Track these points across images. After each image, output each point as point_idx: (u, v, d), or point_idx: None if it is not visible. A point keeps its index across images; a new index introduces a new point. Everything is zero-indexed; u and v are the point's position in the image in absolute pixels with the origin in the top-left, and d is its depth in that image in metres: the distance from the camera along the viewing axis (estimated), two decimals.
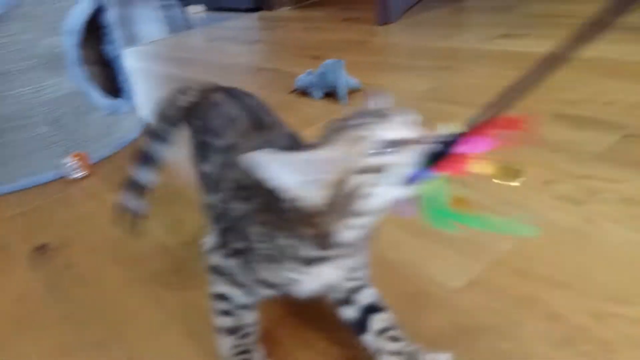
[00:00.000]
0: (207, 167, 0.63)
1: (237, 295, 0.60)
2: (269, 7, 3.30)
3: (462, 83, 1.48)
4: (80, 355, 0.69)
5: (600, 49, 1.50)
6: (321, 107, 1.48)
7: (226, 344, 0.61)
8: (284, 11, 3.24)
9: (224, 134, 0.63)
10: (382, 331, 0.58)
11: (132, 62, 2.53)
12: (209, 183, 0.63)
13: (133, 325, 0.73)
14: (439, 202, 0.46)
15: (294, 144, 0.60)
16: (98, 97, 1.33)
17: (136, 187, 0.80)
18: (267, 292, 0.57)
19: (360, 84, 1.51)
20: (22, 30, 1.14)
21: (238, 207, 0.55)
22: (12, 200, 1.18)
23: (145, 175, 0.79)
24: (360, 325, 0.59)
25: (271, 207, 0.50)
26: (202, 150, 0.66)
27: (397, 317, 0.59)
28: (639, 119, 1.06)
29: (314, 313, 0.68)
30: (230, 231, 0.57)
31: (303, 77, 1.58)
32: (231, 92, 0.72)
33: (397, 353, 0.56)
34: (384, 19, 2.22)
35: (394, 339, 0.57)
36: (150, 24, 3.85)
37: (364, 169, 0.44)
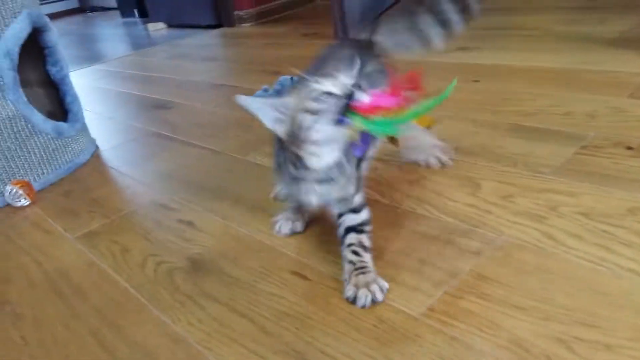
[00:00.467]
0: None
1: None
2: (230, 24, 3.26)
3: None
4: None
5: (556, 60, 1.51)
6: None
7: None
8: (245, 27, 3.20)
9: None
10: (349, 245, 0.75)
11: (90, 81, 2.45)
12: None
13: None
14: (377, 123, 0.64)
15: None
16: (41, 121, 1.25)
17: None
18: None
19: None
20: None
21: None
22: None
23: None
24: (341, 240, 0.77)
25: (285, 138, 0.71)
26: None
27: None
28: (597, 129, 1.05)
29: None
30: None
31: (260, 94, 1.54)
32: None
33: (351, 262, 0.73)
34: (342, 34, 2.22)
35: (355, 253, 0.73)
36: (113, 42, 3.79)
37: (306, 109, 0.66)
